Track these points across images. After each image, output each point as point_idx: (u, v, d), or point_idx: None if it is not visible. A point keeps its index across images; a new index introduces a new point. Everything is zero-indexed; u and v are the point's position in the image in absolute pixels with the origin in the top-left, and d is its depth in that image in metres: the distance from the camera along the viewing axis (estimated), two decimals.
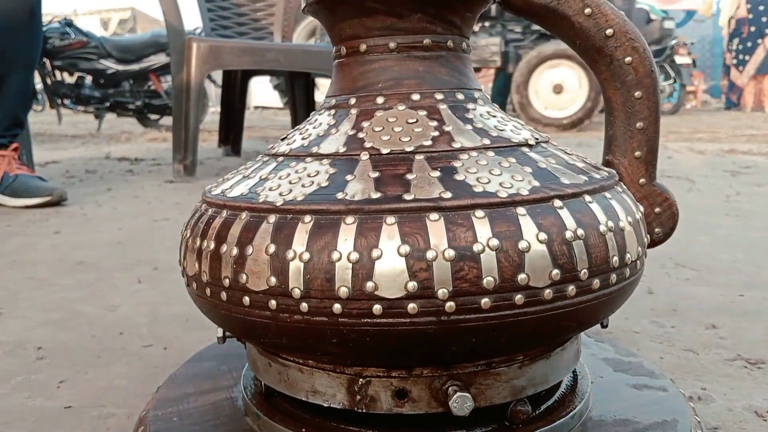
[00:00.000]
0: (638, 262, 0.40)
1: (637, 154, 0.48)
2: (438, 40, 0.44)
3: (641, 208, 0.45)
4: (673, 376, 0.60)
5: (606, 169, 0.45)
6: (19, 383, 0.59)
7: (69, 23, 4.96)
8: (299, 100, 2.35)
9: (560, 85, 4.51)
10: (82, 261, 0.98)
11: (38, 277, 0.90)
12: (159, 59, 4.91)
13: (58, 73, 4.95)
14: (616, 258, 0.37)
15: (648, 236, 0.46)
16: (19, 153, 1.50)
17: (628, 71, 0.47)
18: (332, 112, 0.45)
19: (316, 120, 0.45)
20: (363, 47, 0.44)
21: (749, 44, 7.88)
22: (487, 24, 5.04)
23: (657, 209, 0.48)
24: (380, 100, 0.43)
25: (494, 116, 0.44)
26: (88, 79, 5.00)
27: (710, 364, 0.63)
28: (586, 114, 4.42)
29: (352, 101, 0.44)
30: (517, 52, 4.88)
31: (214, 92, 8.24)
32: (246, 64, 1.87)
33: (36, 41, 1.45)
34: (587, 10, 0.46)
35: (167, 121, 5.27)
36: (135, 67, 5.01)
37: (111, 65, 4.98)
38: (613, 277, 0.38)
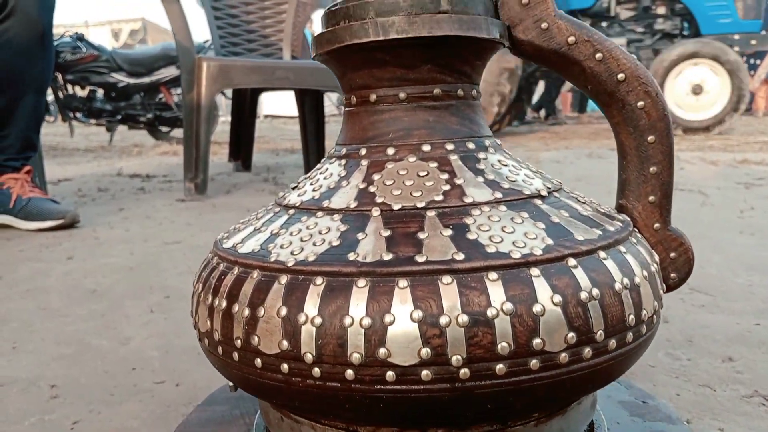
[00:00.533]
0: (654, 316, 0.40)
1: (651, 198, 0.47)
2: (448, 90, 0.44)
3: (656, 258, 0.44)
4: (690, 414, 0.59)
5: (620, 216, 0.45)
6: (33, 424, 0.59)
7: (80, 37, 5.01)
8: (309, 116, 2.35)
9: (699, 85, 4.44)
10: (95, 289, 0.98)
11: (51, 307, 0.90)
12: (169, 72, 4.95)
13: (69, 86, 5.00)
14: (632, 316, 0.37)
15: (663, 285, 0.45)
16: (32, 175, 1.51)
17: (640, 116, 0.46)
18: (343, 162, 0.44)
19: (327, 170, 0.45)
20: (373, 97, 0.44)
21: None
22: (604, 24, 5.00)
23: (672, 254, 0.48)
24: (391, 151, 0.43)
25: (506, 165, 0.44)
26: (100, 92, 5.05)
27: (727, 401, 0.62)
28: (726, 115, 4.35)
29: (363, 152, 0.44)
30: (638, 53, 4.83)
31: (224, 102, 8.30)
32: (255, 83, 1.88)
33: (48, 64, 1.46)
34: (598, 55, 0.45)
35: (178, 133, 5.31)
36: (146, 80, 5.05)
37: (122, 78, 5.02)
38: (630, 335, 0.37)
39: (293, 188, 0.47)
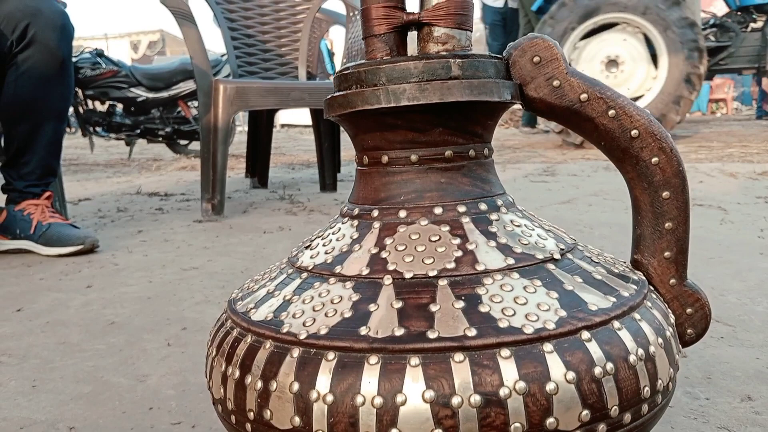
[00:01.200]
0: (670, 383, 0.39)
1: (667, 254, 0.47)
2: (459, 151, 0.44)
3: (672, 319, 0.44)
4: None
5: (635, 276, 0.44)
6: None
7: (100, 53, 5.09)
8: (324, 133, 2.36)
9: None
10: (113, 321, 0.99)
11: (71, 341, 0.92)
12: (187, 86, 5.00)
13: (90, 101, 5.08)
14: (647, 388, 0.37)
15: (680, 346, 0.45)
16: (52, 200, 1.53)
17: (655, 171, 0.46)
18: (355, 223, 0.45)
19: (339, 230, 0.45)
20: (385, 159, 0.44)
21: None
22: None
23: (689, 310, 0.47)
24: (403, 213, 0.43)
25: (518, 225, 0.44)
26: (119, 107, 5.12)
27: None
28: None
29: (375, 213, 0.44)
30: None
31: (241, 113, 8.40)
32: (272, 104, 1.89)
33: (67, 92, 1.48)
34: (611, 112, 0.45)
35: (196, 146, 5.36)
36: (164, 94, 5.12)
37: (141, 93, 5.09)
38: (645, 407, 0.37)
39: (306, 247, 0.47)
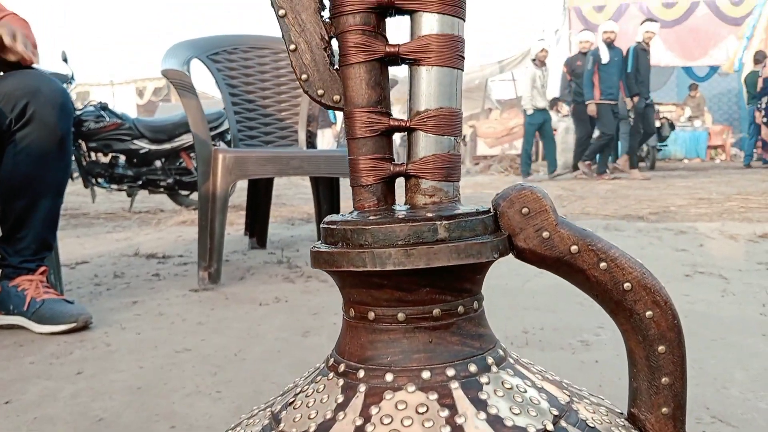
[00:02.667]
0: None
1: (665, 410, 0.45)
2: (448, 309, 0.43)
3: None
4: None
5: None
6: None
7: (104, 107, 5.15)
8: (323, 196, 2.37)
9: None
10: (101, 417, 0.97)
11: None
12: (189, 138, 5.04)
13: (92, 153, 5.12)
14: None
15: None
16: (47, 274, 1.52)
17: (649, 325, 0.45)
18: (340, 382, 0.43)
19: (324, 388, 0.44)
20: (371, 315, 0.43)
21: None
22: None
23: None
24: (389, 377, 0.41)
25: (510, 388, 0.42)
26: (122, 158, 5.16)
27: None
28: None
29: (361, 374, 0.42)
30: None
31: None
32: (271, 173, 1.90)
33: (65, 169, 1.49)
34: (602, 265, 0.44)
35: (197, 196, 5.38)
36: (167, 146, 5.16)
37: (144, 145, 5.13)
38: None
39: (289, 404, 0.46)
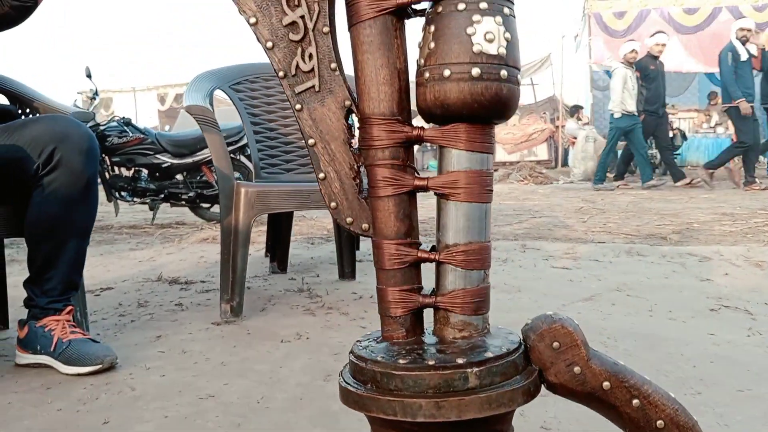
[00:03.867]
0: None
1: None
2: None
3: None
4: None
5: None
6: None
7: (127, 122, 5.22)
8: (344, 231, 2.37)
9: None
10: None
11: None
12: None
13: (115, 168, 5.19)
14: None
15: None
16: (73, 312, 1.55)
17: None
18: None
19: None
20: None
21: None
22: None
23: None
24: None
25: None
26: (144, 172, 5.22)
27: None
28: None
29: None
30: None
31: None
32: (293, 207, 1.91)
33: (91, 211, 1.51)
34: (635, 402, 0.44)
35: (217, 208, 5.43)
36: (188, 160, 5.22)
37: (166, 159, 5.19)
38: None
39: None
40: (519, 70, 0.45)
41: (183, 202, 5.34)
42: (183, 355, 1.58)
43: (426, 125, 0.47)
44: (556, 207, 5.75)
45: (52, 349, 1.46)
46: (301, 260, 2.98)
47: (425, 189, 0.46)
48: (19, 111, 1.80)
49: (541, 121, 15.08)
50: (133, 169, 5.22)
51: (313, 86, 0.48)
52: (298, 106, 0.49)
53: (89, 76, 5.20)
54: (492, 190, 0.46)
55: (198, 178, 5.33)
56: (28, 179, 1.44)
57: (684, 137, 10.81)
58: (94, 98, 5.19)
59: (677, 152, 10.95)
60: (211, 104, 2.06)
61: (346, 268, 2.46)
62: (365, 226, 0.48)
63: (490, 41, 0.42)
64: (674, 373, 1.40)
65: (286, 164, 2.32)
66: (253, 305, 2.08)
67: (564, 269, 2.59)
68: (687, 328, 1.74)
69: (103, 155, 5.07)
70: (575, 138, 10.90)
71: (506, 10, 0.43)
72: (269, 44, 0.48)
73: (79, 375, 1.44)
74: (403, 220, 0.46)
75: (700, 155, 12.56)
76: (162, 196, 5.26)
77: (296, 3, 0.47)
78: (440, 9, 0.43)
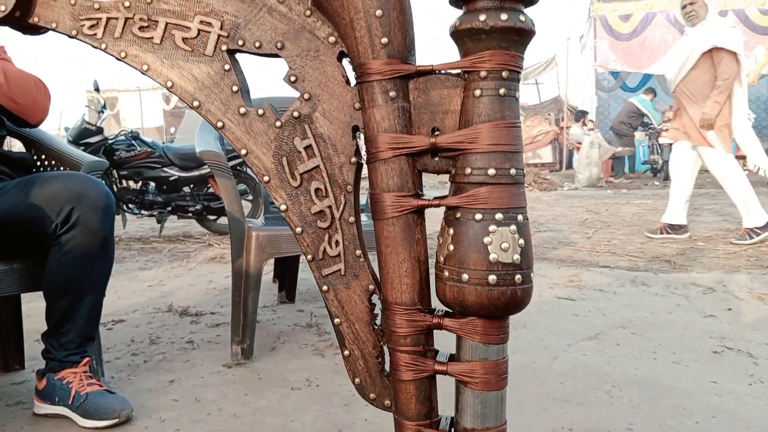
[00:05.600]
0: None
1: None
2: None
3: None
4: None
5: None
6: None
7: (135, 136, 5.27)
8: None
9: None
10: None
11: None
12: None
13: (123, 180, 5.24)
14: None
15: None
16: (90, 363, 1.58)
17: None
18: None
19: None
20: None
21: None
22: None
23: None
24: None
25: None
26: (152, 185, 5.27)
27: None
28: None
29: None
30: None
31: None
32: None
33: (108, 265, 1.55)
34: None
35: (223, 221, 5.49)
36: (195, 173, 5.26)
37: (173, 172, 5.24)
38: None
39: None
40: (532, 269, 0.48)
41: (190, 215, 5.38)
42: (196, 405, 1.62)
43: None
44: (561, 218, 5.76)
45: (70, 402, 1.50)
46: (308, 286, 3.02)
47: (445, 373, 0.50)
48: (34, 157, 1.84)
49: (546, 123, 15.05)
50: (140, 182, 5.26)
51: (339, 270, 0.51)
52: (324, 288, 0.52)
53: (97, 89, 5.24)
54: (507, 376, 0.50)
55: (204, 190, 5.38)
56: (47, 237, 1.48)
57: None
58: (102, 112, 5.23)
59: None
60: (222, 144, 2.09)
61: None
62: (387, 402, 0.51)
63: (506, 251, 0.46)
64: (677, 429, 1.43)
65: None
66: (262, 343, 2.11)
67: (569, 300, 2.61)
68: (690, 375, 1.76)
69: (112, 169, 5.12)
70: (580, 143, 10.91)
71: (520, 218, 0.47)
72: (298, 229, 0.52)
73: (96, 429, 1.47)
74: (424, 403, 0.49)
75: None
76: (169, 208, 5.30)
77: (324, 194, 0.51)
78: (459, 215, 0.46)
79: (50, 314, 1.54)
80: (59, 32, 0.54)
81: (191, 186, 5.34)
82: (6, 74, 1.57)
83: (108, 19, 0.52)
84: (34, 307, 2.36)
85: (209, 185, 5.37)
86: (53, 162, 1.81)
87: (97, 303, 1.55)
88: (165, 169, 5.23)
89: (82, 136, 5.05)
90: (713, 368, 1.81)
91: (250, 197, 5.35)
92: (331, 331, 2.25)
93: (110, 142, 5.13)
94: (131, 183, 5.30)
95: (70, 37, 0.53)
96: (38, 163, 1.83)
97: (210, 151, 1.90)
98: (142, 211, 5.30)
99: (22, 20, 0.55)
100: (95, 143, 5.03)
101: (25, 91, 1.61)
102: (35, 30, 0.57)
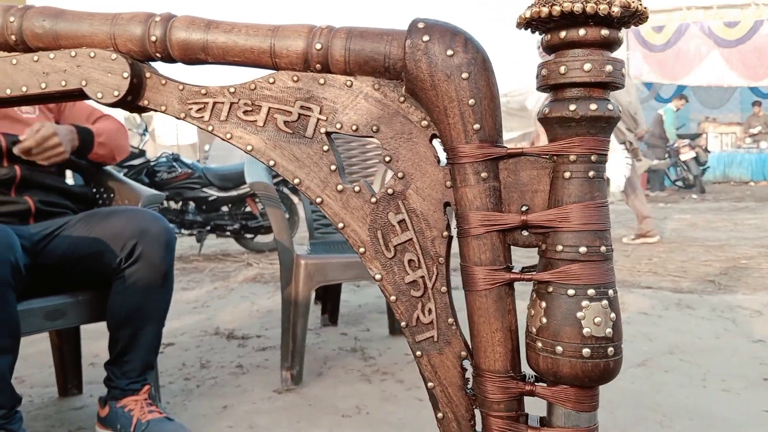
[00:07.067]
0: None
1: None
2: None
3: None
4: None
5: None
6: None
7: (176, 158, 5.41)
8: None
9: None
10: None
11: None
12: None
13: (165, 201, 5.37)
14: None
15: None
16: (150, 391, 1.64)
17: None
18: None
19: None
20: None
21: None
22: None
23: None
24: None
25: None
26: (192, 205, 5.39)
27: None
28: None
29: None
30: None
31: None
32: (350, 277, 1.98)
33: (167, 298, 1.60)
34: None
35: (260, 239, 5.60)
36: (233, 193, 5.38)
37: (212, 193, 5.36)
38: None
39: None
40: (622, 340, 0.50)
41: (228, 233, 5.49)
42: (250, 431, 1.65)
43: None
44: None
45: (131, 430, 1.55)
46: (349, 309, 3.06)
47: None
48: (93, 190, 1.91)
49: None
50: (181, 202, 5.39)
51: (432, 336, 0.54)
52: (418, 353, 0.55)
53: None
54: None
55: (242, 210, 5.48)
56: (110, 270, 1.54)
57: (707, 150, 10.85)
58: (144, 134, 5.38)
59: (707, 166, 10.94)
60: (271, 173, 2.14)
61: (396, 324, 2.52)
62: None
63: (598, 325, 0.48)
64: None
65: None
66: (310, 368, 2.15)
67: None
68: (741, 404, 1.75)
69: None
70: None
71: (610, 293, 0.49)
72: (393, 297, 0.55)
73: None
74: None
75: (744, 171, 12.36)
76: (208, 227, 5.42)
77: (417, 265, 0.54)
78: (551, 290, 0.49)
79: (113, 344, 1.60)
80: (168, 114, 0.59)
81: (229, 205, 5.45)
82: (107, 138, 1.77)
83: (215, 103, 0.57)
84: (86, 331, 2.44)
85: (246, 205, 5.47)
86: (111, 195, 1.88)
87: (157, 333, 1.61)
88: (204, 189, 5.35)
89: (125, 158, 5.19)
90: (764, 396, 1.79)
91: (287, 215, 5.43)
92: (375, 355, 2.28)
93: (152, 164, 5.27)
94: (172, 203, 5.43)
95: (178, 118, 0.58)
96: (97, 196, 1.91)
97: (261, 183, 1.96)
98: (183, 231, 5.42)
99: (133, 103, 0.60)
100: (138, 166, 5.16)
101: (118, 144, 1.82)
102: (143, 110, 0.62)
